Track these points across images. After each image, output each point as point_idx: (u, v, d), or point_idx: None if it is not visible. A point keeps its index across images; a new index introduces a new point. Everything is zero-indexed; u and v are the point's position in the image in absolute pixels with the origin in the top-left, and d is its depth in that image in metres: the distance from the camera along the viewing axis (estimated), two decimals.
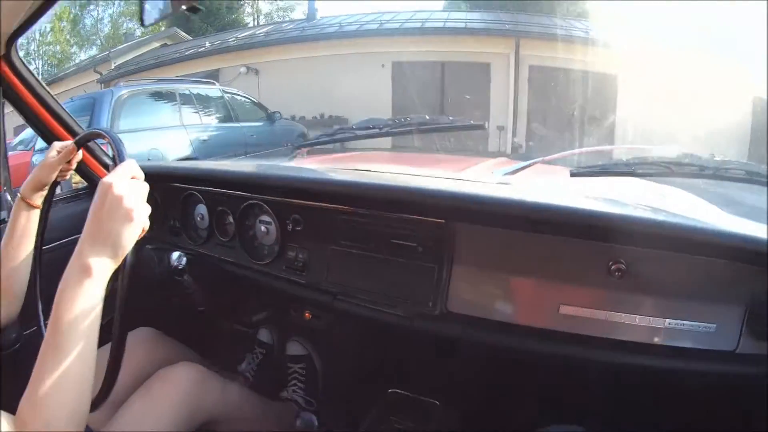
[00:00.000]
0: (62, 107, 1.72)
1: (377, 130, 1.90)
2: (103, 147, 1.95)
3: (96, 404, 0.85)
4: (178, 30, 16.53)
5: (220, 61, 13.29)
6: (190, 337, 1.86)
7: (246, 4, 18.56)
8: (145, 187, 0.89)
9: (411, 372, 2.06)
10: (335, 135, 2.00)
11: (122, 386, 1.28)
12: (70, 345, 0.78)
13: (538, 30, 11.61)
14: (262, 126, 8.89)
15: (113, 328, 0.87)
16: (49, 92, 1.67)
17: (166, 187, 1.89)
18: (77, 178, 1.99)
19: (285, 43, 13.11)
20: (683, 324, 1.17)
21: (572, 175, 1.60)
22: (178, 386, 1.40)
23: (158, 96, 7.20)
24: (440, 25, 12.61)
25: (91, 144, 1.80)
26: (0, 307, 1.22)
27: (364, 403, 2.03)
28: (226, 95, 8.56)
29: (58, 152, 1.25)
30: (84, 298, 0.79)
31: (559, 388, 1.71)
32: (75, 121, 1.77)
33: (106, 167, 1.93)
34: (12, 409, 0.84)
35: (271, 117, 9.17)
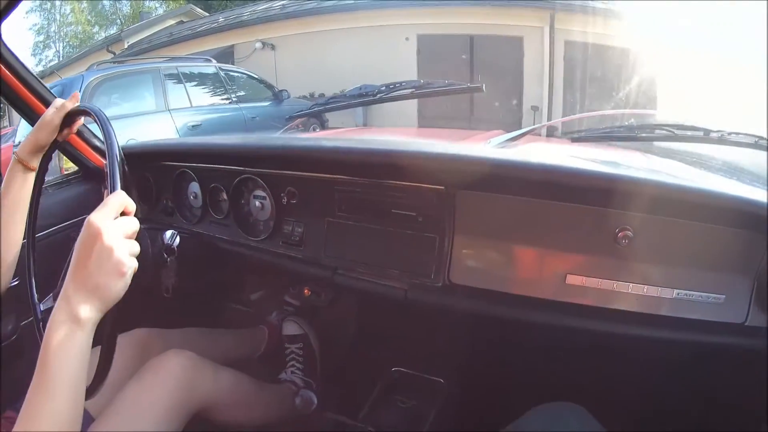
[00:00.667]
0: (50, 91, 1.71)
1: (371, 97, 1.89)
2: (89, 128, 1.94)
3: (91, 391, 0.88)
4: (194, 7, 16.54)
5: (235, 37, 13.08)
6: (191, 322, 1.88)
7: None
8: (136, 226, 0.89)
9: (414, 349, 2.09)
10: (327, 104, 2.03)
11: (119, 381, 1.32)
12: (59, 392, 0.79)
13: (575, 2, 10.81)
14: (268, 106, 8.18)
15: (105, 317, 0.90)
16: (35, 76, 1.66)
17: (158, 166, 1.91)
18: (69, 164, 2.01)
19: (302, 15, 12.60)
20: (692, 294, 1.17)
21: (573, 140, 1.61)
22: (169, 373, 1.41)
23: (138, 78, 6.63)
24: None
25: (80, 127, 1.83)
26: None
27: (367, 382, 2.06)
28: (223, 73, 7.90)
29: (57, 110, 1.25)
30: (74, 347, 0.80)
31: (567, 361, 1.72)
32: (50, 92, 1.73)
33: (97, 150, 1.94)
34: (10, 397, 0.88)
35: (278, 96, 8.52)
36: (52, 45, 16.08)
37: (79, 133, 1.85)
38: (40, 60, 15.88)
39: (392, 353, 2.16)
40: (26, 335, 1.63)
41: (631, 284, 1.20)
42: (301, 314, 2.16)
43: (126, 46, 14.04)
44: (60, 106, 1.25)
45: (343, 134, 2.70)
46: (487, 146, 1.75)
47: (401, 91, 1.86)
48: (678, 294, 1.18)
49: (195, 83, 7.25)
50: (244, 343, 2.01)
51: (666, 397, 1.63)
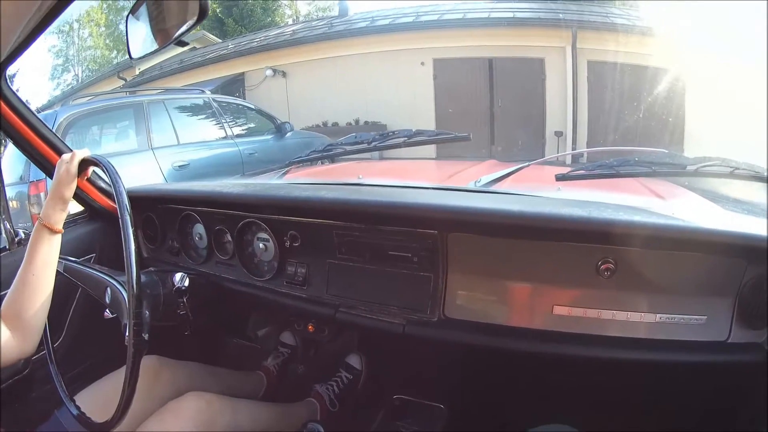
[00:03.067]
0: (53, 133, 1.89)
1: (365, 145, 2.10)
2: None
3: (111, 425, 1.07)
4: (207, 33, 16.76)
5: (245, 65, 13.08)
6: (196, 354, 2.06)
7: (283, 5, 18.82)
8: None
9: (415, 378, 2.29)
10: (325, 151, 2.20)
11: (130, 412, 1.40)
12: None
13: (596, 20, 10.75)
14: (269, 141, 7.84)
15: (127, 354, 1.09)
16: (39, 119, 1.83)
17: (163, 208, 2.09)
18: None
19: (313, 41, 12.50)
20: (674, 318, 1.35)
21: (558, 179, 1.80)
22: (189, 419, 1.57)
23: (118, 114, 6.19)
24: (485, 15, 11.55)
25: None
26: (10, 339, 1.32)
27: (370, 410, 2.26)
28: (216, 105, 7.35)
29: (69, 164, 1.41)
30: None
31: (557, 386, 1.91)
32: (67, 146, 1.92)
33: (102, 191, 2.10)
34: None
35: (280, 129, 8.14)
36: (71, 68, 16.41)
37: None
38: (58, 84, 16.23)
39: (393, 381, 2.35)
40: (37, 370, 1.79)
41: (615, 312, 1.39)
42: (302, 353, 2.41)
43: (137, 73, 14.16)
44: (70, 159, 1.42)
45: (341, 172, 2.90)
46: (476, 184, 1.93)
47: (394, 140, 2.05)
48: (660, 318, 1.36)
49: (184, 117, 6.81)
50: (246, 384, 2.18)
51: (657, 415, 1.80)
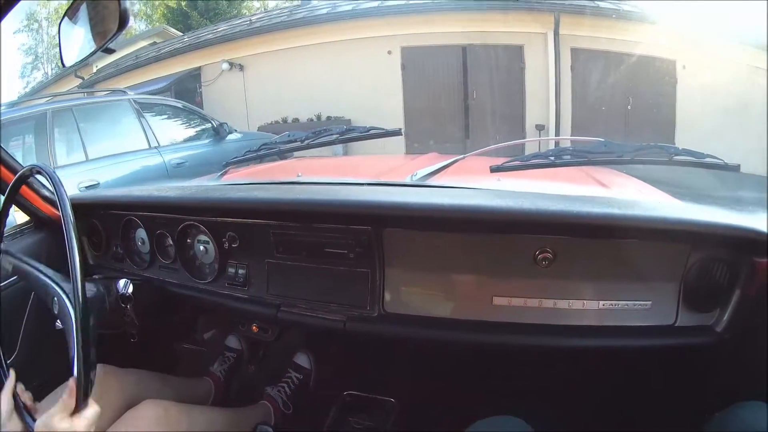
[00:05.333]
0: (13, 158, 1.97)
1: (299, 143, 2.25)
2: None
3: None
4: (168, 27, 16.72)
5: (201, 58, 13.31)
6: (144, 364, 2.14)
7: None
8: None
9: (364, 374, 2.46)
10: (260, 151, 2.35)
11: None
12: None
13: (581, 3, 10.68)
14: (203, 146, 7.45)
15: (76, 366, 1.18)
16: None
17: (106, 214, 2.18)
18: (21, 214, 2.23)
19: (271, 31, 12.64)
20: (617, 304, 1.48)
21: (492, 170, 1.93)
22: (148, 428, 1.68)
23: (19, 128, 5.58)
24: None
25: (30, 179, 2.04)
26: None
27: (321, 408, 2.40)
28: (139, 108, 6.76)
29: None
30: None
31: (505, 377, 2.07)
32: (13, 157, 2.00)
33: (46, 200, 2.20)
34: None
35: (218, 131, 7.71)
36: (41, 66, 16.42)
37: (29, 185, 2.12)
38: (28, 82, 16.20)
39: (343, 378, 2.52)
40: None
41: (556, 300, 1.52)
42: (249, 355, 2.55)
43: (95, 71, 14.29)
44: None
45: (278, 171, 3.02)
46: (412, 178, 2.05)
47: (326, 138, 2.20)
48: (604, 305, 1.48)
49: (95, 127, 6.28)
50: (194, 389, 2.31)
51: (606, 401, 1.97)
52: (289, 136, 2.32)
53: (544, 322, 1.54)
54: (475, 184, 1.85)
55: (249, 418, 2.20)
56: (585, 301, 1.51)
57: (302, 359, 2.55)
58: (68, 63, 1.51)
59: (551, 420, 1.43)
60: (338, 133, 2.21)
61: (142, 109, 6.86)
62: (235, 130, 8.18)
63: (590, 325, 1.52)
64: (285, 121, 11.95)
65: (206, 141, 7.61)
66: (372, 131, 2.18)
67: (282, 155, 2.63)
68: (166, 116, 7.45)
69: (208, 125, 7.80)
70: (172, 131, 7.32)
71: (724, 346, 1.47)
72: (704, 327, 1.49)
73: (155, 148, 6.64)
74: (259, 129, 11.60)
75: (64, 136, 5.88)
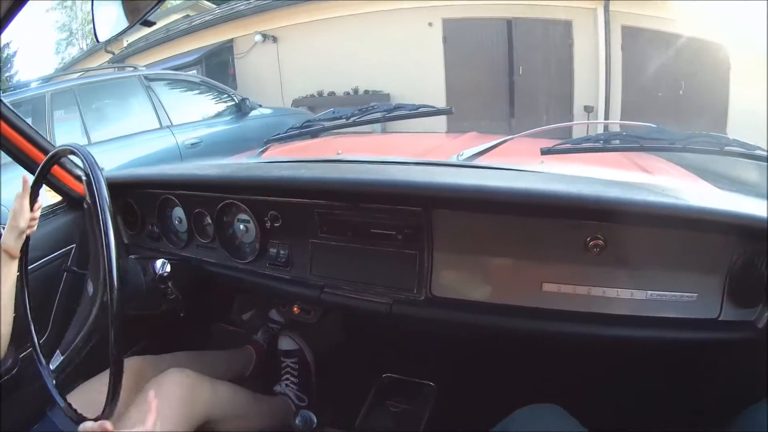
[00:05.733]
0: (29, 126, 2.00)
1: (344, 120, 2.20)
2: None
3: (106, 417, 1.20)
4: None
5: (233, 30, 12.86)
6: (182, 343, 2.17)
7: None
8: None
9: (404, 357, 2.44)
10: (303, 128, 2.32)
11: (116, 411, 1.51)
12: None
13: None
14: (223, 124, 7.02)
15: (110, 345, 1.17)
16: (14, 112, 1.94)
17: (141, 193, 2.18)
18: (52, 193, 2.24)
19: (305, 1, 11.92)
20: (664, 295, 1.45)
21: (543, 152, 1.89)
22: (171, 391, 1.69)
23: (23, 111, 4.80)
24: None
25: (63, 158, 2.05)
26: None
27: (359, 389, 2.39)
28: (149, 85, 6.35)
29: (21, 197, 1.58)
30: None
31: (550, 363, 2.04)
32: (44, 137, 2.04)
33: (79, 179, 2.21)
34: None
35: (240, 107, 7.23)
36: (75, 42, 16.57)
37: (61, 165, 2.13)
38: (63, 58, 16.37)
39: (381, 360, 2.50)
40: (25, 367, 1.91)
41: (604, 288, 1.49)
42: (291, 329, 2.49)
43: (125, 45, 14.15)
44: (23, 192, 1.60)
45: (320, 148, 3.04)
46: (457, 160, 2.02)
47: (373, 115, 2.16)
48: (651, 295, 1.46)
49: (98, 107, 5.99)
50: (233, 363, 2.33)
51: (646, 392, 1.92)
52: (333, 113, 2.29)
53: (590, 310, 1.52)
54: (520, 165, 1.83)
55: (271, 406, 2.22)
56: (633, 291, 1.48)
57: (286, 343, 2.51)
58: (102, 39, 1.51)
59: (588, 411, 1.39)
60: (385, 111, 2.17)
61: (155, 85, 6.48)
62: (260, 106, 7.70)
63: (636, 315, 1.50)
64: (320, 94, 11.67)
65: (226, 118, 7.20)
66: (422, 109, 2.13)
67: (322, 133, 2.60)
68: (181, 92, 7.10)
69: (229, 101, 7.39)
70: (187, 109, 6.89)
71: (763, 342, 1.44)
72: (746, 322, 1.46)
73: (167, 127, 6.24)
74: (294, 102, 11.46)
75: (65, 119, 5.58)
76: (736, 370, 1.68)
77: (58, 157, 1.61)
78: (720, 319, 1.46)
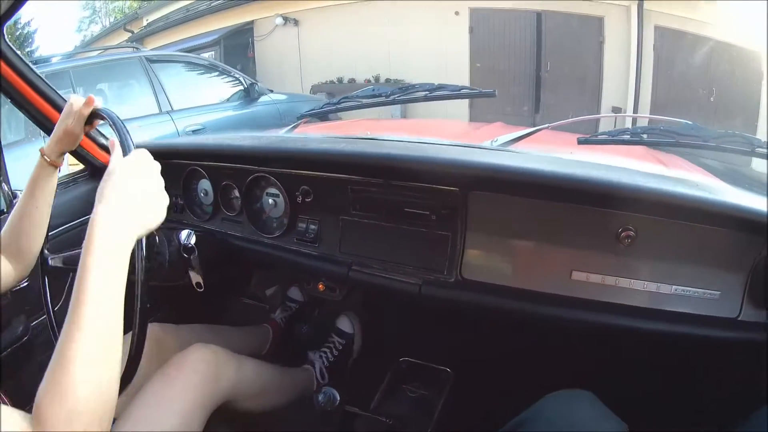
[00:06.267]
0: (55, 91, 1.98)
1: (383, 98, 2.22)
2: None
3: (123, 383, 1.14)
4: None
5: (254, 12, 12.81)
6: (198, 315, 2.20)
7: None
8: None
9: (422, 342, 2.47)
10: (340, 104, 2.34)
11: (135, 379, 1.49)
12: (98, 320, 0.90)
13: None
14: (227, 110, 6.93)
15: (134, 311, 1.14)
16: (39, 76, 1.93)
17: (166, 163, 2.10)
18: (72, 160, 2.24)
19: None
20: (689, 290, 1.48)
21: (580, 142, 1.93)
22: (194, 368, 1.69)
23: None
24: None
25: None
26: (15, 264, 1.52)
27: (376, 372, 2.43)
28: (148, 68, 6.23)
29: (76, 118, 1.51)
30: (114, 271, 0.96)
31: (570, 352, 2.06)
32: (64, 99, 1.99)
33: (103, 148, 2.22)
34: (21, 400, 1.08)
35: (248, 92, 7.14)
36: (98, 20, 16.65)
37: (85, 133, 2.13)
38: (85, 36, 16.45)
39: (399, 344, 2.54)
40: (37, 336, 1.94)
41: (632, 280, 1.51)
42: (307, 310, 2.60)
43: (144, 24, 14.21)
44: (78, 114, 1.51)
45: (353, 128, 3.05)
46: (492, 145, 2.02)
47: (414, 94, 2.18)
48: (675, 290, 1.48)
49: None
50: (251, 340, 2.37)
51: (666, 384, 1.97)
52: (373, 90, 2.31)
53: (616, 301, 1.55)
54: (554, 154, 1.86)
55: (294, 380, 2.25)
56: (659, 284, 1.51)
57: (344, 323, 2.57)
58: None
59: (617, 399, 1.40)
60: (428, 90, 2.18)
61: (157, 67, 6.38)
62: (270, 91, 7.62)
63: (659, 309, 1.53)
64: (340, 81, 11.65)
65: (233, 104, 7.12)
66: (464, 90, 2.16)
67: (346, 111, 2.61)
68: (186, 76, 7.02)
69: (238, 85, 7.28)
70: (191, 93, 6.80)
71: None
72: (761, 324, 1.49)
73: (167, 112, 6.12)
74: (312, 88, 11.49)
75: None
76: (746, 371, 1.72)
77: (93, 117, 1.57)
78: (739, 318, 1.49)
